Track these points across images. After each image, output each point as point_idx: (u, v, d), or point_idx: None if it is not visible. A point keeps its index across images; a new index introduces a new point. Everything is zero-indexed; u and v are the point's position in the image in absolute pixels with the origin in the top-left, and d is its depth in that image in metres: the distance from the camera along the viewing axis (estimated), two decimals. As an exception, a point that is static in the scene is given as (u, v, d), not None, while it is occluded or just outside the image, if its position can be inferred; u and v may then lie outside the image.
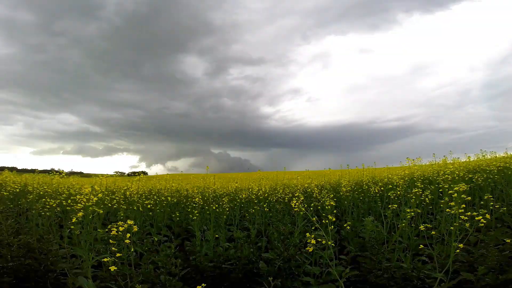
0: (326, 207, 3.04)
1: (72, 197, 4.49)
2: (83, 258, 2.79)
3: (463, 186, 2.64)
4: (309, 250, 2.34)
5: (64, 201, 4.44)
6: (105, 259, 2.11)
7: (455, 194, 2.61)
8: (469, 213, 2.64)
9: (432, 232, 3.07)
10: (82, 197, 2.62)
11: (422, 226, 2.99)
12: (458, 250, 2.53)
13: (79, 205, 2.64)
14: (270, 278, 2.38)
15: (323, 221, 3.16)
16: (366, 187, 5.74)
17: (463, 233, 2.67)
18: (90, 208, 2.64)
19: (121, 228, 2.18)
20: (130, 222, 2.21)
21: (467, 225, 2.63)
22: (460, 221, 2.61)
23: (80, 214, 2.60)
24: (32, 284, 2.95)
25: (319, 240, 2.46)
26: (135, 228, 2.23)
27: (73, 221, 2.60)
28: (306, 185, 6.84)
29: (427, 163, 7.96)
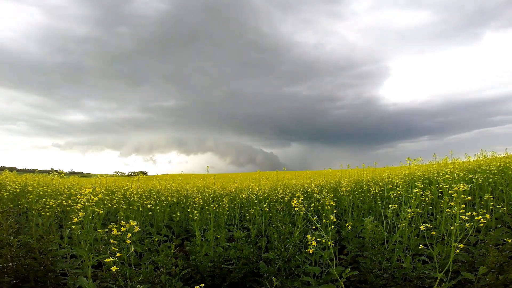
0: (326, 207, 3.04)
1: (72, 197, 4.48)
2: (83, 258, 2.79)
3: (463, 186, 2.64)
4: (310, 252, 2.33)
5: (64, 201, 4.43)
6: (107, 260, 2.10)
7: (455, 194, 2.61)
8: (469, 213, 2.64)
9: (433, 232, 3.07)
10: (82, 197, 2.62)
11: (422, 226, 2.99)
12: (458, 250, 2.53)
13: (79, 205, 2.64)
14: (274, 278, 2.38)
15: (324, 220, 3.16)
16: (366, 187, 5.74)
17: (463, 233, 2.67)
18: (90, 208, 2.64)
19: (122, 229, 2.17)
20: (133, 223, 2.21)
21: (467, 225, 2.63)
22: (460, 221, 2.61)
23: (82, 214, 2.60)
24: (32, 284, 2.95)
25: (319, 240, 2.46)
26: (137, 229, 2.22)
27: (74, 221, 2.60)
28: (306, 185, 6.84)
29: (428, 163, 7.96)
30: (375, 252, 3.14)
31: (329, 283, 3.01)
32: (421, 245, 3.06)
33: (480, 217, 2.50)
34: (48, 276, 3.00)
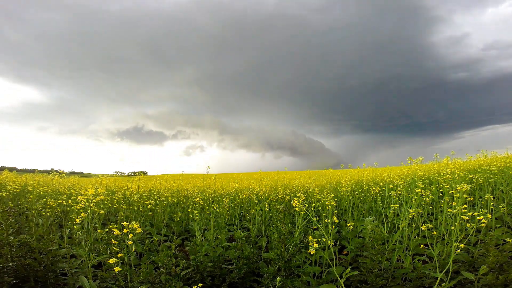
0: (327, 207, 3.04)
1: (72, 197, 4.48)
2: (83, 258, 2.78)
3: (465, 187, 2.63)
4: (311, 252, 2.33)
5: (64, 201, 4.43)
6: (110, 260, 2.09)
7: (457, 194, 2.60)
8: (470, 213, 2.64)
9: (433, 232, 3.07)
10: (83, 197, 2.62)
11: (423, 226, 2.99)
12: (458, 250, 2.53)
13: (79, 205, 2.64)
14: (278, 279, 2.38)
15: (325, 220, 3.16)
16: (367, 187, 5.74)
17: (463, 233, 2.67)
18: (90, 208, 2.64)
19: (125, 230, 2.17)
20: (135, 225, 2.20)
21: (468, 225, 2.63)
22: (460, 221, 2.60)
23: (84, 214, 2.60)
24: (32, 284, 2.95)
25: (320, 240, 2.45)
26: (139, 230, 2.21)
27: (76, 221, 2.60)
28: (307, 185, 6.84)
29: (428, 163, 7.96)
30: (375, 252, 3.14)
31: (329, 283, 3.01)
32: (421, 245, 3.06)
33: (482, 217, 2.50)
34: (48, 276, 3.00)
